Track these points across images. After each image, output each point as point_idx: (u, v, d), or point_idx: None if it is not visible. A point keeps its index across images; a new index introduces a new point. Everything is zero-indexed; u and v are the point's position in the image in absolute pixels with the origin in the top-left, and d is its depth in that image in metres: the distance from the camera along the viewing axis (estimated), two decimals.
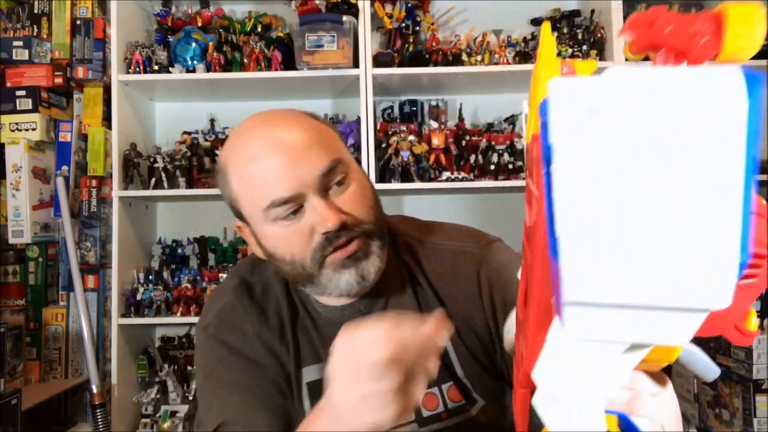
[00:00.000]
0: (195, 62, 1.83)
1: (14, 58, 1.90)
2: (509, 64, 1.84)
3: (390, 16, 1.88)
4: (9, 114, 1.84)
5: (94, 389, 1.63)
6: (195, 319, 1.77)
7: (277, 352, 0.79)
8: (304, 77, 1.83)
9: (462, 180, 1.81)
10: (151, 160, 1.85)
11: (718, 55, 0.28)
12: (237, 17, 2.05)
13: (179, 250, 1.97)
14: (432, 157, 1.83)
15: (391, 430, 0.79)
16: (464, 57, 1.84)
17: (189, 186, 1.86)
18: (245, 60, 1.85)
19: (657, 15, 0.30)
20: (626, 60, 1.74)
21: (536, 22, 2.01)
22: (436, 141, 1.82)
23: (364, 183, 0.76)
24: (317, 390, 0.78)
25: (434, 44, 1.86)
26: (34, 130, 1.84)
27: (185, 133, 1.98)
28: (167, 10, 1.92)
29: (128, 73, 1.82)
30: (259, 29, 1.91)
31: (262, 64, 1.83)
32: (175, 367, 1.83)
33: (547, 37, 0.32)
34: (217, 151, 1.90)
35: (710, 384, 1.52)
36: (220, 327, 0.80)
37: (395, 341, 0.48)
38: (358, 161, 1.47)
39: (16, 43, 1.90)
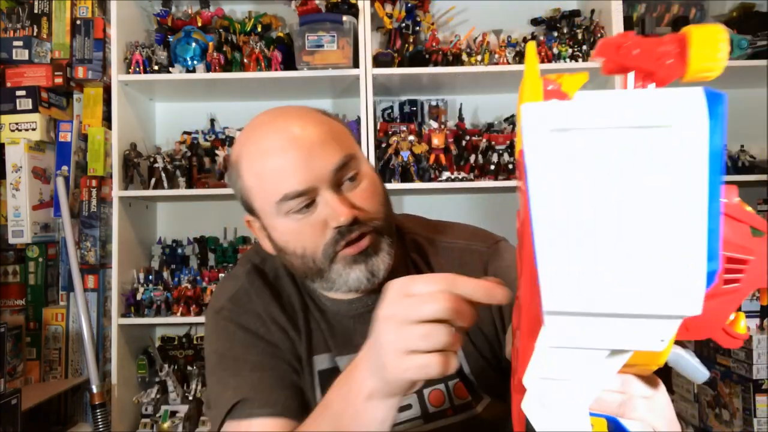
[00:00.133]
0: (195, 62, 1.83)
1: (14, 58, 1.90)
2: (509, 64, 1.84)
3: (390, 16, 1.88)
4: (9, 114, 1.84)
5: (94, 389, 1.63)
6: (195, 319, 1.77)
7: (291, 337, 0.79)
8: (304, 77, 1.83)
9: (462, 180, 1.81)
10: (151, 160, 1.85)
11: (684, 76, 0.30)
12: (237, 17, 2.05)
13: (179, 250, 1.97)
14: (432, 157, 1.83)
15: (398, 427, 0.79)
16: (464, 57, 1.84)
17: (189, 186, 1.86)
18: (245, 60, 1.85)
19: (625, 39, 0.32)
20: None
21: (536, 22, 2.01)
22: (436, 141, 1.82)
23: (375, 180, 0.77)
24: (328, 379, 0.78)
25: (434, 44, 1.86)
26: (34, 130, 1.84)
27: (185, 133, 1.99)
28: (167, 10, 1.92)
29: (128, 73, 1.82)
30: (259, 29, 1.91)
31: (262, 64, 1.83)
32: (175, 367, 1.83)
33: (531, 57, 0.33)
34: (217, 152, 1.90)
35: (710, 384, 1.52)
36: (235, 310, 0.80)
37: (450, 301, 0.47)
38: None
39: (16, 43, 1.90)
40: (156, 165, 1.84)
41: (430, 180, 1.83)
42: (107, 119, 1.89)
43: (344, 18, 1.78)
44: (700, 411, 1.55)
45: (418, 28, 1.92)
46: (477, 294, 0.47)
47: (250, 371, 0.75)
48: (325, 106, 2.07)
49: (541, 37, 1.90)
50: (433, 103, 2.04)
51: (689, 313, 0.25)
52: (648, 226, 0.25)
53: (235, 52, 1.87)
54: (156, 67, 1.83)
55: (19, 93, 1.84)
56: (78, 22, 1.92)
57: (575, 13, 1.92)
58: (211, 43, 1.84)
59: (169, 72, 1.83)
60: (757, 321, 1.50)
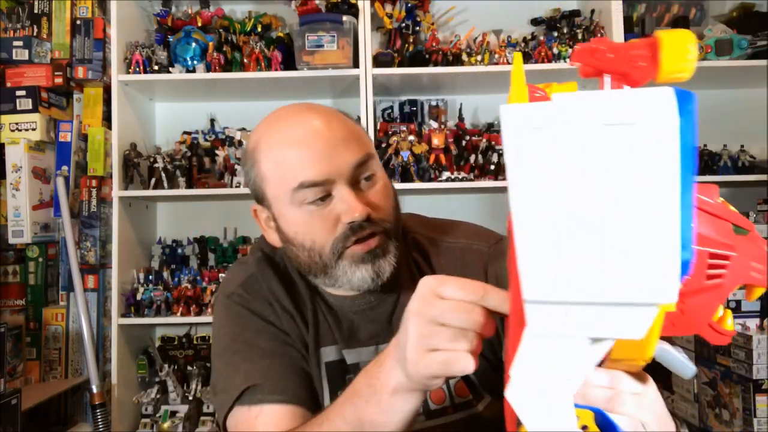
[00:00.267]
0: (195, 62, 1.83)
1: (14, 58, 1.90)
2: (509, 64, 1.84)
3: (390, 16, 1.88)
4: (9, 114, 1.83)
5: (94, 389, 1.63)
6: (195, 319, 1.77)
7: (300, 327, 0.79)
8: (304, 77, 1.83)
9: (462, 180, 1.81)
10: (151, 160, 1.85)
11: (657, 78, 0.31)
12: (237, 17, 2.05)
13: (179, 250, 1.97)
14: (432, 157, 1.83)
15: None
16: (464, 57, 1.84)
17: (189, 186, 1.86)
18: (245, 60, 1.85)
19: (599, 44, 0.34)
20: None
21: (536, 22, 2.01)
22: (436, 141, 1.82)
23: (388, 184, 0.78)
24: (335, 371, 0.79)
25: (434, 44, 1.86)
26: (34, 130, 1.84)
27: (185, 133, 1.99)
28: (167, 10, 1.92)
29: (128, 73, 1.82)
30: (259, 29, 1.91)
31: (262, 64, 1.83)
32: (175, 367, 1.83)
33: (517, 67, 0.34)
34: (217, 152, 1.90)
35: (710, 384, 1.52)
36: (246, 296, 0.80)
37: (481, 316, 0.47)
38: None
39: (16, 43, 1.90)
40: (156, 165, 1.84)
41: (430, 180, 1.83)
42: (107, 119, 1.89)
43: (344, 18, 1.78)
44: (700, 411, 1.55)
45: (418, 28, 1.92)
46: (504, 308, 0.47)
47: (261, 357, 0.75)
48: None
49: (541, 37, 1.90)
50: (433, 103, 2.05)
51: (664, 301, 0.27)
52: (623, 217, 0.26)
53: (235, 52, 1.87)
54: (156, 67, 1.83)
55: (19, 93, 1.84)
56: (78, 22, 1.92)
57: (575, 13, 1.92)
58: (211, 43, 1.84)
59: (169, 72, 1.83)
60: (757, 321, 1.50)
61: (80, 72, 1.90)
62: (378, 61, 1.82)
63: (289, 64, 1.85)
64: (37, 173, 1.85)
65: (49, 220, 1.89)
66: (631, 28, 1.92)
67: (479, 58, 1.84)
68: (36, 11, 1.95)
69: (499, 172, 1.83)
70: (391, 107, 2.07)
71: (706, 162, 1.92)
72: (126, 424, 1.79)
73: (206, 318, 1.76)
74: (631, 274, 0.27)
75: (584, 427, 0.36)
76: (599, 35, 1.86)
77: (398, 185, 1.80)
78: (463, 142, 1.88)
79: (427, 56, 1.84)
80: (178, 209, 2.10)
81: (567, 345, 0.31)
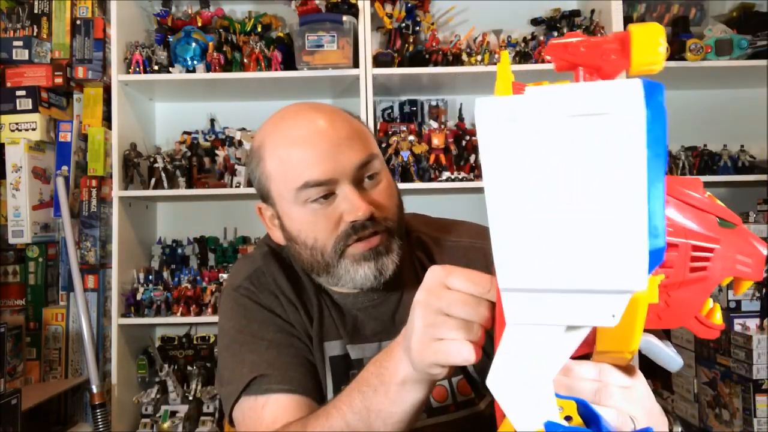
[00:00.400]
0: (195, 62, 1.83)
1: (14, 58, 1.90)
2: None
3: (390, 16, 1.88)
4: (9, 114, 1.83)
5: (94, 389, 1.63)
6: (195, 319, 1.77)
7: (305, 320, 0.80)
8: (304, 77, 1.83)
9: (462, 180, 1.82)
10: (151, 160, 1.85)
11: (629, 70, 0.32)
12: (237, 17, 2.05)
13: (179, 250, 1.97)
14: (432, 157, 1.83)
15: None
16: (464, 57, 1.84)
17: (189, 186, 1.86)
18: (245, 60, 1.85)
19: (572, 38, 0.35)
20: None
21: (536, 22, 2.01)
22: (436, 141, 1.82)
23: (392, 183, 0.80)
24: (339, 365, 0.80)
25: (434, 44, 1.86)
26: (34, 130, 1.84)
27: (185, 133, 1.99)
28: (167, 10, 1.92)
29: (128, 73, 1.82)
30: (259, 29, 1.91)
31: (262, 64, 1.83)
32: (175, 367, 1.83)
33: (504, 65, 0.35)
34: (217, 152, 1.90)
35: (710, 384, 1.52)
36: (252, 289, 0.81)
37: (488, 310, 0.48)
38: None
39: (16, 43, 1.90)
40: (156, 165, 1.84)
41: (430, 180, 1.83)
42: (107, 119, 1.89)
43: (344, 18, 1.78)
44: (700, 411, 1.55)
45: (418, 28, 1.92)
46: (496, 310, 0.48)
47: (267, 348, 0.76)
48: None
49: (541, 37, 1.90)
50: (433, 103, 2.05)
51: (634, 288, 0.27)
52: (593, 206, 0.27)
53: (235, 52, 1.87)
54: (156, 67, 1.83)
55: (19, 93, 1.84)
56: (78, 22, 1.92)
57: (575, 13, 1.92)
58: (211, 43, 1.84)
59: (169, 72, 1.83)
60: (757, 321, 1.50)
61: (80, 72, 1.90)
62: (378, 61, 1.82)
63: (289, 64, 1.85)
64: (37, 173, 1.86)
65: (49, 220, 1.89)
66: None
67: (479, 58, 1.84)
68: (36, 11, 1.95)
69: None
70: (391, 107, 2.07)
71: (706, 162, 1.92)
72: (126, 424, 1.79)
73: (206, 318, 1.76)
74: (601, 261, 0.27)
75: (568, 418, 0.36)
76: (599, 35, 1.85)
77: (398, 185, 1.79)
78: (463, 142, 1.88)
79: (427, 56, 1.84)
80: (178, 209, 2.10)
81: (543, 333, 0.32)
